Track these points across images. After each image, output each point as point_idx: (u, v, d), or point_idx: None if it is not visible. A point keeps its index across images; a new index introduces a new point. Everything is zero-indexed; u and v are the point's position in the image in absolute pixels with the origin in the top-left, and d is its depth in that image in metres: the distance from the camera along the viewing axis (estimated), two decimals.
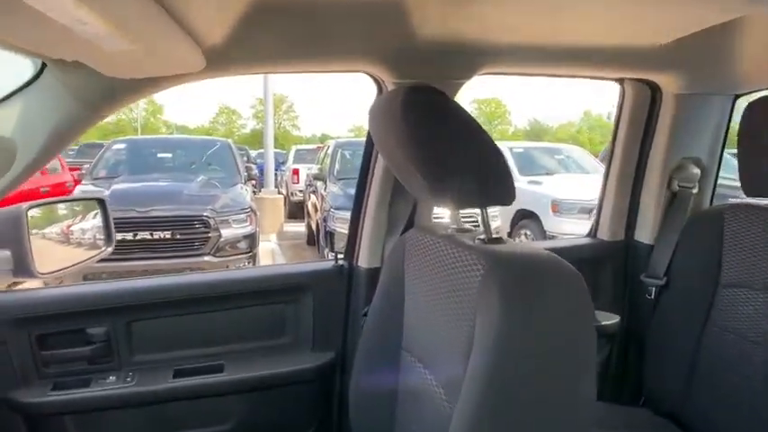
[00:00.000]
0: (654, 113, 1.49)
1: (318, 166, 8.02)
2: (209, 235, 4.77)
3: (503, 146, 7.17)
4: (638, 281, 1.50)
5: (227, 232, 4.84)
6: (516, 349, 0.72)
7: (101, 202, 1.54)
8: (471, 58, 1.18)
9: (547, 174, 6.91)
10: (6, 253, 1.21)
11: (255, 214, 5.29)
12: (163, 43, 0.81)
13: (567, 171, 7.31)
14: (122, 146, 6.48)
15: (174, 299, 1.29)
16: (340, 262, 1.40)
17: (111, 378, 1.23)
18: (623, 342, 1.56)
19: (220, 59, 0.99)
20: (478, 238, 0.89)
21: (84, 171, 6.09)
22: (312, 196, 7.67)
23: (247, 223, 5.10)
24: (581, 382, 0.73)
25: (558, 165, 7.49)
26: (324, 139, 11.29)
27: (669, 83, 1.41)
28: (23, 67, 0.97)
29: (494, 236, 0.88)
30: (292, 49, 1.07)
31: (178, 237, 4.67)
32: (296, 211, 9.68)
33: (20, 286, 1.76)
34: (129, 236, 4.53)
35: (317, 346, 1.36)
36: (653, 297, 1.47)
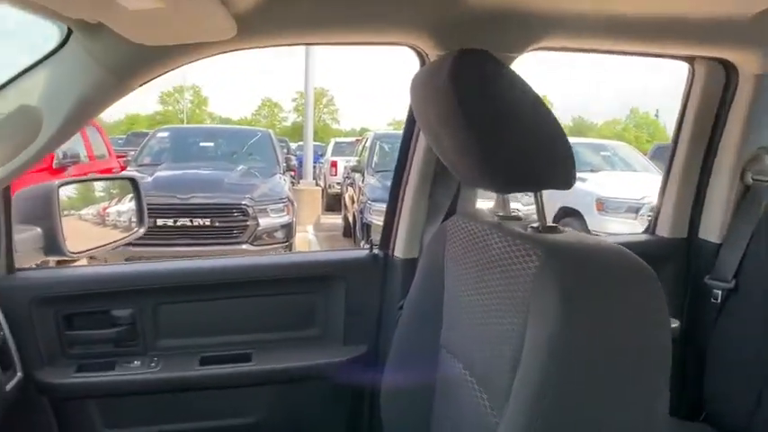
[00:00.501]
0: (727, 97, 1.33)
1: (357, 158, 7.99)
2: (248, 223, 4.80)
3: None
4: (702, 283, 1.36)
5: (264, 221, 4.86)
6: (576, 356, 0.62)
7: (133, 182, 1.52)
8: (525, 28, 1.06)
9: (591, 171, 6.65)
10: (37, 230, 1.19)
11: (293, 204, 5.31)
12: (189, 4, 0.75)
13: (613, 168, 7.04)
14: (166, 134, 6.61)
15: (202, 283, 1.24)
16: (375, 251, 1.32)
17: (136, 363, 1.19)
18: (682, 350, 1.43)
19: (251, 27, 0.93)
20: (531, 227, 0.79)
21: (129, 158, 6.25)
22: (350, 188, 7.65)
23: (285, 213, 5.12)
24: (654, 397, 0.62)
25: (604, 161, 7.21)
26: (363, 132, 11.25)
27: (748, 62, 1.26)
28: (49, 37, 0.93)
29: (549, 224, 0.78)
30: (328, 18, 0.99)
31: (217, 224, 4.72)
32: (333, 203, 9.71)
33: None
34: (170, 222, 4.61)
35: (349, 339, 1.29)
36: (718, 301, 1.32)
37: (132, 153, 6.50)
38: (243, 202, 4.83)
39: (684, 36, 1.18)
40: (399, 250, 1.27)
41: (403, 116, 1.30)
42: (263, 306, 1.27)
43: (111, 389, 1.17)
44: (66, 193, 1.48)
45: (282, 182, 5.59)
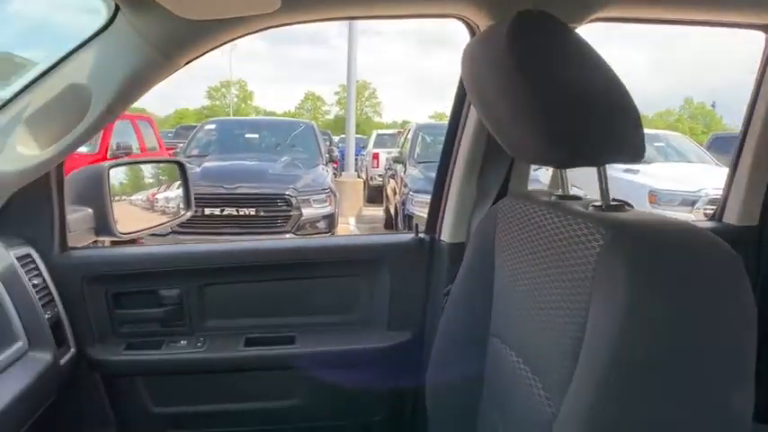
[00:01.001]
0: None
1: (398, 149, 7.95)
2: (291, 213, 4.86)
3: None
4: None
5: (307, 211, 4.92)
6: (646, 343, 0.55)
7: (180, 166, 1.53)
8: None
9: (644, 162, 6.36)
10: (89, 211, 1.22)
11: (335, 195, 5.34)
12: None
13: (667, 160, 6.71)
14: (213, 126, 6.77)
15: (247, 264, 1.24)
16: (420, 235, 1.27)
17: (183, 342, 1.20)
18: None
19: (295, 1, 0.90)
20: (593, 205, 0.73)
21: (178, 150, 6.44)
22: (391, 180, 7.61)
23: (327, 203, 5.16)
24: (735, 393, 0.55)
25: (657, 152, 6.89)
26: (404, 124, 11.17)
27: None
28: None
29: (614, 202, 0.72)
30: None
31: (262, 214, 4.80)
32: (375, 195, 9.70)
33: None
34: (217, 211, 4.72)
35: (393, 325, 1.26)
36: None
37: (181, 145, 6.69)
38: (286, 193, 4.89)
39: (759, 1, 1.08)
40: (446, 234, 1.23)
41: (444, 109, 1.26)
42: (306, 289, 1.26)
43: (159, 367, 1.18)
44: (118, 179, 1.52)
45: (325, 173, 5.63)
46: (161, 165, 1.98)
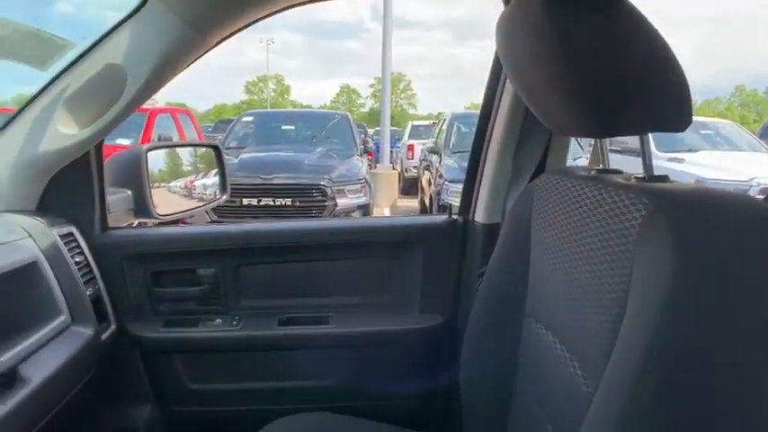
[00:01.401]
0: None
1: (434, 139, 7.89)
2: (326, 203, 4.90)
3: None
4: None
5: (342, 201, 4.95)
6: (693, 319, 0.52)
7: (216, 150, 1.56)
8: None
9: (690, 150, 6.11)
10: (128, 193, 1.25)
11: (369, 186, 5.35)
12: None
13: (715, 148, 6.42)
14: (251, 118, 6.88)
15: (282, 244, 1.24)
16: (454, 216, 1.25)
17: (218, 321, 1.22)
18: None
19: None
20: (636, 177, 0.69)
21: (216, 143, 6.57)
22: (426, 172, 7.57)
23: (362, 194, 5.18)
24: None
25: (704, 141, 6.60)
26: (440, 116, 11.07)
27: None
28: None
29: (657, 175, 0.68)
30: None
31: (298, 204, 4.86)
32: (409, 187, 9.67)
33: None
34: (254, 201, 4.81)
35: (426, 307, 1.24)
36: None
37: (220, 138, 6.83)
38: (321, 183, 4.93)
39: None
40: (480, 215, 1.20)
41: (481, 99, 1.22)
42: (340, 269, 1.26)
43: (195, 345, 1.20)
44: (158, 166, 1.55)
45: (360, 163, 5.65)
46: (198, 153, 2.03)
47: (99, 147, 1.12)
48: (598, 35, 0.62)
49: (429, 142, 8.19)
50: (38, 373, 0.85)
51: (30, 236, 0.98)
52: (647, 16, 0.61)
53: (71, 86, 0.99)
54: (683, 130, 0.65)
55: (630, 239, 0.60)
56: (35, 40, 0.94)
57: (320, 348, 1.21)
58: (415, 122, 14.10)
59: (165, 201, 1.40)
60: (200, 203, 1.65)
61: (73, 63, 0.98)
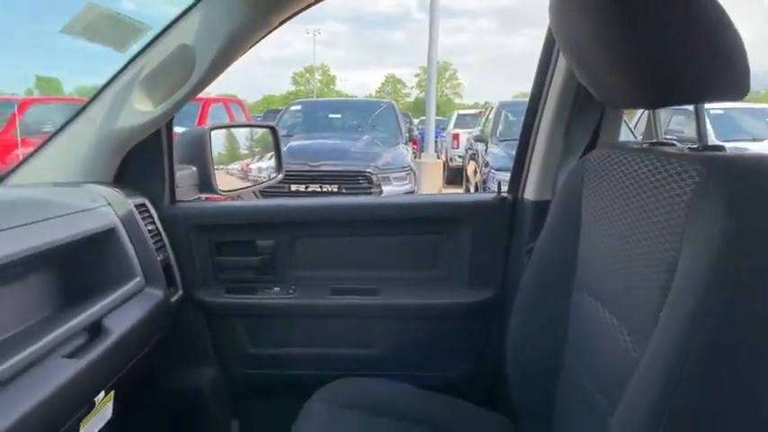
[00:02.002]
0: None
1: (480, 128, 7.81)
2: (372, 190, 4.97)
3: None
4: None
5: (387, 188, 5.01)
6: (741, 283, 0.53)
7: (273, 131, 1.63)
8: None
9: (753, 140, 5.79)
10: (193, 169, 1.34)
11: (414, 173, 5.39)
12: None
13: None
14: (299, 107, 7.04)
15: (335, 219, 1.30)
16: (503, 194, 1.27)
17: (275, 289, 1.29)
18: None
19: None
20: (690, 147, 0.70)
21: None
22: (472, 161, 7.51)
23: (406, 181, 5.22)
24: None
25: None
26: (486, 106, 10.90)
27: None
28: None
29: (713, 144, 0.68)
30: None
31: (344, 190, 4.95)
32: (454, 177, 9.62)
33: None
34: (302, 187, 4.93)
35: (474, 282, 1.27)
36: None
37: None
38: (367, 170, 5.01)
39: None
40: (530, 192, 1.22)
41: (529, 89, 1.23)
42: (390, 244, 1.30)
43: (254, 310, 1.28)
44: (217, 148, 1.65)
45: (405, 151, 5.69)
46: (255, 136, 2.12)
47: (169, 125, 1.20)
48: (654, 6, 0.63)
49: (475, 131, 8.11)
50: (118, 327, 0.94)
51: (109, 204, 1.07)
52: None
53: (147, 67, 1.07)
54: (739, 98, 0.65)
55: (682, 206, 0.61)
56: (116, 23, 1.02)
57: (370, 318, 1.26)
58: (461, 112, 13.98)
59: (224, 182, 1.48)
60: (258, 182, 1.73)
61: (148, 45, 1.06)
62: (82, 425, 0.86)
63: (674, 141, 0.79)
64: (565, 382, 0.91)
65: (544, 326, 0.93)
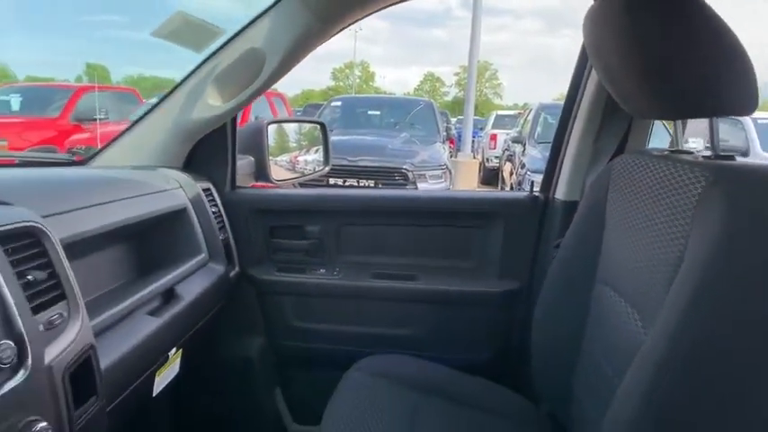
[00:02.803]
0: None
1: (518, 129, 7.80)
2: (407, 187, 5.06)
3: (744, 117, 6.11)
4: None
5: (423, 186, 5.09)
6: (737, 268, 0.61)
7: (322, 126, 1.76)
8: None
9: None
10: (250, 159, 1.47)
11: (450, 172, 5.44)
12: None
13: None
14: (339, 103, 7.18)
15: (378, 210, 1.41)
16: (535, 193, 1.36)
17: (322, 270, 1.41)
18: None
19: None
20: (703, 156, 0.78)
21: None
22: (508, 162, 7.51)
23: (442, 180, 5.28)
24: None
25: None
26: (525, 107, 10.81)
27: None
28: None
29: (723, 154, 0.76)
30: None
31: (380, 186, 5.06)
32: (490, 177, 9.61)
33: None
34: (340, 181, 5.06)
35: (504, 273, 1.36)
36: None
37: None
38: (404, 167, 5.09)
39: None
40: (560, 192, 1.30)
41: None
42: (428, 235, 1.40)
43: (302, 289, 1.41)
44: (269, 141, 1.79)
45: (441, 150, 5.75)
46: (302, 131, 2.27)
47: (234, 119, 1.34)
48: (674, 31, 0.71)
49: (513, 132, 8.10)
50: (187, 294, 1.08)
51: (181, 187, 1.21)
52: (719, 12, 0.70)
53: (219, 66, 1.21)
54: (749, 113, 0.73)
55: (691, 206, 0.69)
56: (196, 28, 1.15)
57: (407, 301, 1.37)
58: (500, 112, 13.88)
59: (274, 172, 1.62)
60: (306, 174, 1.87)
61: (222, 46, 1.20)
62: (157, 374, 1.00)
63: (692, 150, 0.87)
64: (583, 366, 0.99)
65: (567, 314, 1.02)
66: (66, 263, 0.71)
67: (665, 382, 0.63)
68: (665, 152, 0.88)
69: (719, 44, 0.70)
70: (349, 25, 1.17)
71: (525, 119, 7.78)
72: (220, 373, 1.42)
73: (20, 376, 0.58)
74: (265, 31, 1.15)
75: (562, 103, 1.34)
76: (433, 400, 1.10)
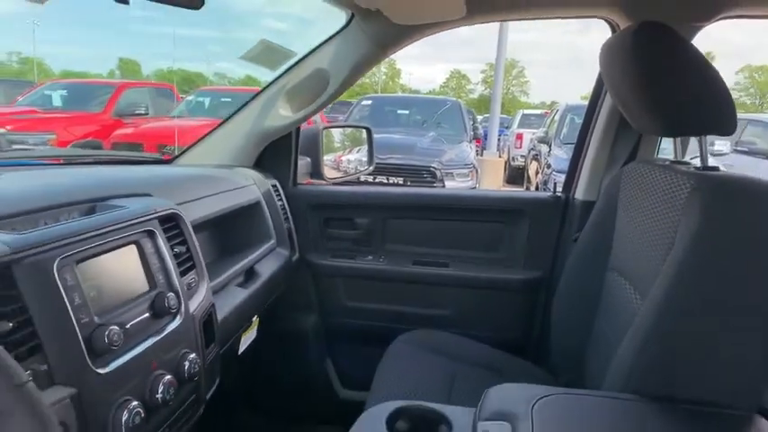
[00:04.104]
0: None
1: (544, 129, 7.88)
2: (435, 185, 5.23)
3: None
4: None
5: (450, 184, 5.24)
6: (711, 256, 0.79)
7: (368, 130, 1.97)
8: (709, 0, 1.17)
9: None
10: (307, 159, 1.70)
11: (476, 171, 5.58)
12: None
13: None
14: (369, 102, 7.37)
15: (417, 206, 1.62)
16: (558, 194, 1.55)
17: (369, 257, 1.63)
18: None
19: (477, 9, 1.23)
20: (695, 167, 0.96)
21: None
22: (534, 162, 7.61)
23: (469, 178, 5.43)
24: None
25: None
26: (552, 105, 10.79)
27: None
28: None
29: (709, 165, 0.95)
30: None
31: (408, 183, 5.24)
32: (515, 176, 9.69)
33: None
34: (370, 178, 5.25)
35: (528, 264, 1.56)
36: None
37: (340, 118, 7.40)
38: (432, 165, 5.25)
39: None
40: (580, 193, 1.49)
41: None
42: (459, 229, 1.61)
43: (352, 272, 1.63)
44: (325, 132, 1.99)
45: (468, 149, 5.89)
46: (345, 132, 2.50)
47: (298, 127, 1.56)
48: (668, 66, 0.90)
49: (539, 132, 8.19)
50: (263, 272, 1.30)
51: (254, 183, 1.44)
52: (701, 51, 0.89)
53: (290, 82, 1.43)
54: (729, 133, 0.91)
55: (680, 206, 0.88)
56: (274, 51, 1.37)
57: (442, 285, 1.58)
58: (526, 111, 13.88)
59: (328, 167, 1.84)
60: (351, 173, 2.09)
61: (293, 66, 1.42)
62: (243, 335, 1.23)
63: (689, 162, 1.05)
64: (595, 341, 1.18)
65: (582, 298, 1.21)
66: (195, 240, 0.93)
67: (652, 341, 0.82)
68: (667, 162, 1.07)
69: (703, 76, 0.89)
70: (400, 49, 1.38)
71: (552, 119, 7.86)
72: (280, 344, 1.65)
73: (178, 320, 0.81)
74: (331, 54, 1.36)
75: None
76: (467, 368, 1.30)
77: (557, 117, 7.16)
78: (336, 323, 1.68)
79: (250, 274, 1.28)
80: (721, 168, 0.97)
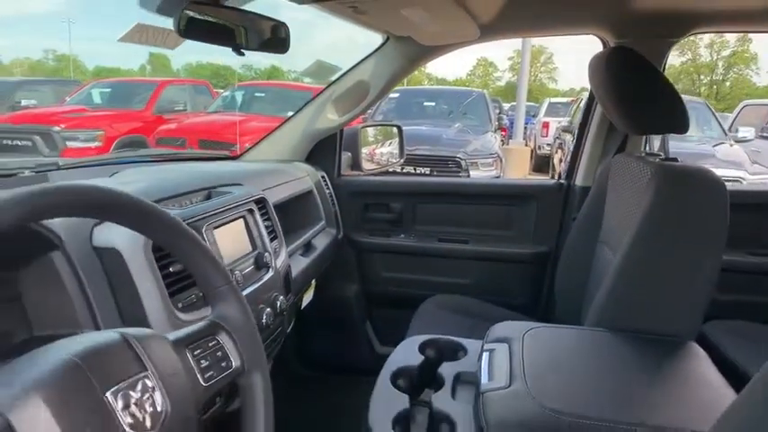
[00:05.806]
0: None
1: (569, 118, 8.00)
2: (460, 174, 5.47)
3: None
4: None
5: (474, 173, 5.47)
6: (660, 221, 1.08)
7: (398, 128, 2.28)
8: (685, 16, 1.43)
9: None
10: (348, 154, 2.02)
11: (501, 161, 5.79)
12: (454, 24, 1.38)
13: None
14: (396, 95, 7.61)
15: (443, 192, 1.93)
16: (561, 181, 1.83)
17: (402, 235, 1.95)
18: None
19: (489, 30, 1.52)
20: (659, 159, 1.24)
21: (366, 116, 7.45)
22: (559, 150, 7.76)
23: (493, 168, 5.64)
24: (704, 258, 1.06)
25: None
26: (580, 93, 10.83)
27: None
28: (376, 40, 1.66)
29: (670, 157, 1.22)
30: (540, 18, 1.53)
31: (435, 173, 5.49)
32: (542, 164, 9.78)
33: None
34: (398, 169, 5.52)
35: (536, 240, 1.84)
36: None
37: (369, 111, 7.70)
38: (458, 156, 5.48)
39: None
40: (579, 180, 1.77)
41: None
42: (477, 211, 1.91)
43: (388, 248, 1.94)
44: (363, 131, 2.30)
45: (493, 139, 6.10)
46: (378, 128, 2.81)
47: (342, 128, 1.88)
48: (634, 79, 1.18)
49: (564, 121, 8.31)
50: (318, 246, 1.63)
51: (308, 175, 1.76)
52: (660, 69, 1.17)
53: (336, 92, 1.75)
54: (683, 132, 1.19)
55: (643, 189, 1.17)
56: (324, 68, 1.70)
57: (463, 258, 1.88)
58: (553, 100, 13.88)
59: (366, 160, 2.15)
60: (386, 164, 2.40)
61: (339, 78, 1.73)
62: (305, 294, 1.56)
63: (660, 154, 1.33)
64: (588, 302, 1.47)
65: (579, 266, 1.50)
66: (276, 218, 1.26)
67: (618, 284, 1.12)
68: (643, 154, 1.35)
69: (659, 87, 1.17)
70: (423, 65, 1.68)
71: (577, 106, 7.96)
72: (329, 307, 1.98)
73: (270, 272, 1.14)
74: (370, 68, 1.67)
75: None
76: (482, 324, 1.60)
77: (582, 105, 7.27)
78: (374, 290, 2.00)
79: (308, 246, 1.60)
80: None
